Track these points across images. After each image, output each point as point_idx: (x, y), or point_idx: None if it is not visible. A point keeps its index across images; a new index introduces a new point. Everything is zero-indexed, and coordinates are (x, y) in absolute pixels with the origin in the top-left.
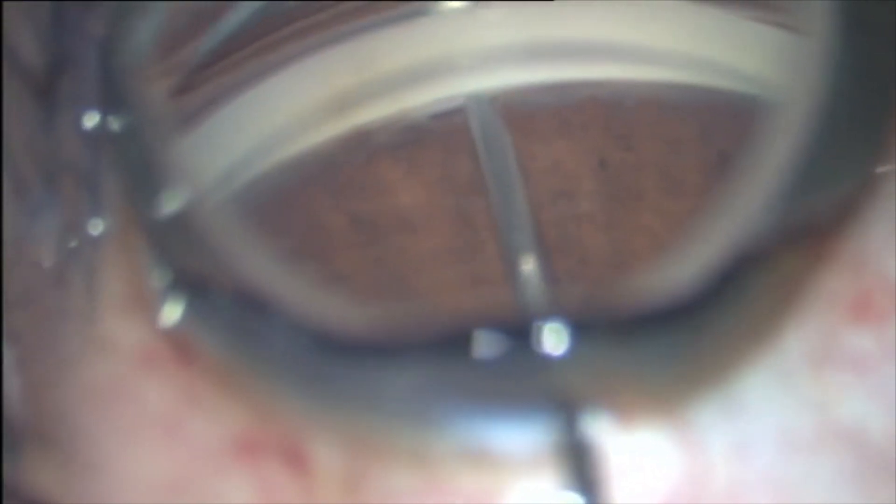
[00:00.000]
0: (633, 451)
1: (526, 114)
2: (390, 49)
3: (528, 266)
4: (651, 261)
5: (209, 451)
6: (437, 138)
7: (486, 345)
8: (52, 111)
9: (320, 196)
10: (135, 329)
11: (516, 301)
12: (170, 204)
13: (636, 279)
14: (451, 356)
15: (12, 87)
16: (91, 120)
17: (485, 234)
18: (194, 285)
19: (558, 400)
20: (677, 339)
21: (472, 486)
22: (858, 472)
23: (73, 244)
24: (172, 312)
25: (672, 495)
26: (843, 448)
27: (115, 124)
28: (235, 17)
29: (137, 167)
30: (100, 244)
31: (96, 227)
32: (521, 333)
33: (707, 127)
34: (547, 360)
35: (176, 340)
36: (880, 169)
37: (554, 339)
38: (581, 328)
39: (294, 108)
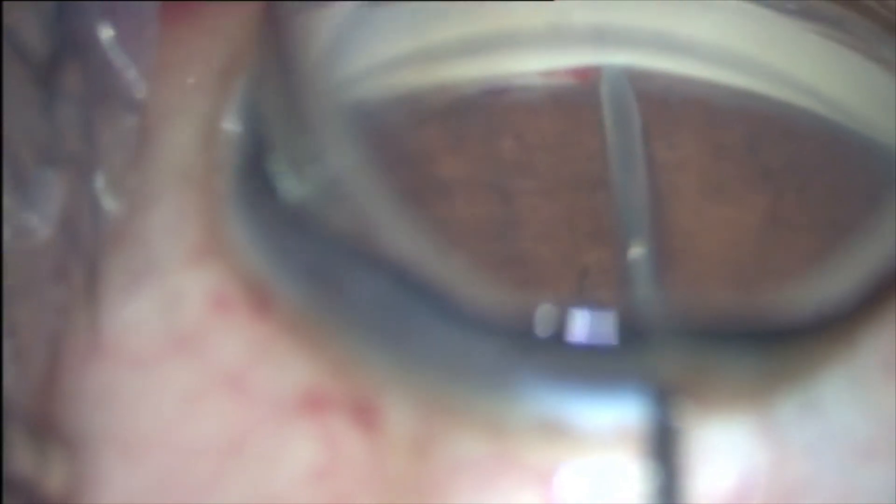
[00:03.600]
0: (715, 438)
1: (573, 101)
2: (444, 20)
3: (639, 249)
4: (683, 262)
5: (275, 406)
6: (483, 114)
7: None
8: (54, 98)
9: None
10: (209, 277)
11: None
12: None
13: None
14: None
15: (13, 73)
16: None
17: (523, 212)
18: (281, 231)
19: (643, 382)
20: (763, 336)
21: (544, 459)
22: None
23: (72, 235)
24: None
25: (746, 483)
26: None
27: None
28: None
29: None
30: (100, 235)
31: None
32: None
33: (754, 137)
34: (633, 342)
35: (252, 288)
36: None
37: (586, 328)
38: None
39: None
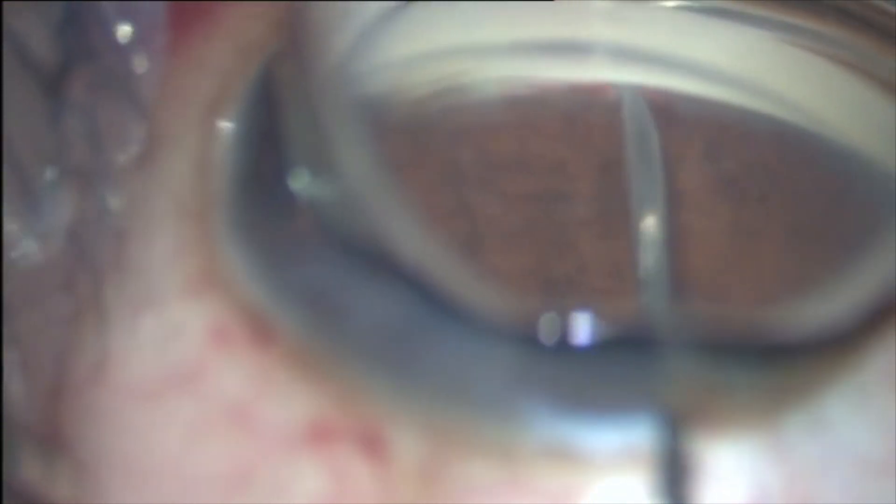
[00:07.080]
0: (724, 458)
1: (535, 110)
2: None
3: (654, 261)
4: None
5: (280, 439)
6: (444, 126)
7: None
8: (62, 108)
9: None
10: (208, 309)
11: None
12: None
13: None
14: (542, 350)
15: (19, 82)
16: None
17: (483, 228)
18: (281, 258)
19: (650, 404)
20: (770, 354)
21: (555, 484)
22: None
23: (79, 246)
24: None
25: (757, 502)
26: None
27: None
28: None
29: None
30: (107, 246)
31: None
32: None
33: (713, 144)
34: (640, 364)
35: (252, 320)
36: None
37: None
38: (676, 341)
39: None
